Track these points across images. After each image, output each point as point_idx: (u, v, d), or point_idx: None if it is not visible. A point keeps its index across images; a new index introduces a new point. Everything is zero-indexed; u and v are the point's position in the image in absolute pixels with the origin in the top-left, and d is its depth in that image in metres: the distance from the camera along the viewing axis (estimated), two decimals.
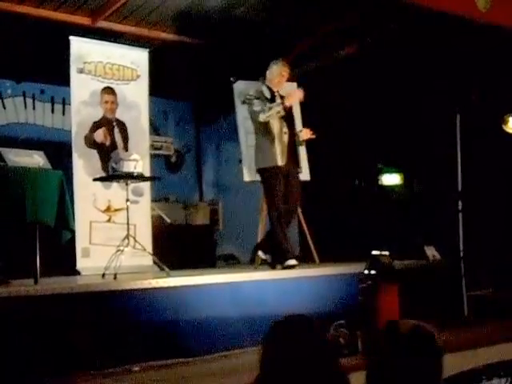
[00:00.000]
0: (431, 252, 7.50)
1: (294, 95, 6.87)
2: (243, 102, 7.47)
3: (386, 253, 5.75)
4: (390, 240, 6.87)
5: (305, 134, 7.05)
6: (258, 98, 6.73)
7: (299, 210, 7.76)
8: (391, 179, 8.48)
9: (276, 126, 6.76)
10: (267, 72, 6.90)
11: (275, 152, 6.70)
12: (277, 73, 6.88)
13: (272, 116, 6.67)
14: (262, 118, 6.69)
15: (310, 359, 1.95)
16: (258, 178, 7.57)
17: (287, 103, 6.73)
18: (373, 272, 5.53)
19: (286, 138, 6.78)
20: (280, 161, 6.70)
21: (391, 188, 8.45)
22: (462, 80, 7.29)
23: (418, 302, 6.15)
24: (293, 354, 1.95)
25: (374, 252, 5.72)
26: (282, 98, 6.89)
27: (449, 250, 7.45)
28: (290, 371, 1.92)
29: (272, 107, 6.68)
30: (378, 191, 8.43)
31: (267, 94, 6.84)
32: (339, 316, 5.50)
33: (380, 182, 8.52)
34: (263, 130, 6.78)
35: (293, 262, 6.58)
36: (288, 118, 6.89)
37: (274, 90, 6.89)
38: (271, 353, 2.01)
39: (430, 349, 2.15)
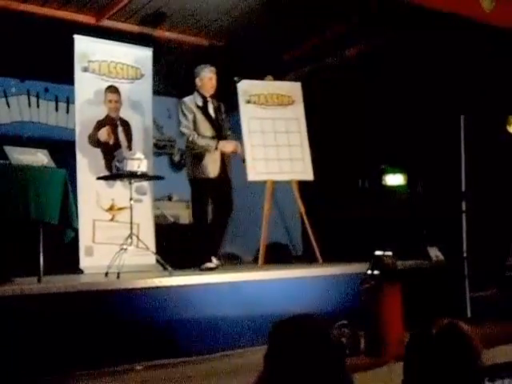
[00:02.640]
0: (434, 252, 7.49)
1: (230, 147, 6.89)
2: (247, 102, 7.57)
3: (389, 253, 5.75)
4: (393, 240, 6.85)
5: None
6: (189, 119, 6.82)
7: (302, 210, 7.77)
8: (395, 179, 8.46)
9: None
10: (196, 80, 6.93)
11: (207, 165, 6.76)
12: (206, 78, 6.92)
13: (198, 146, 6.77)
14: (187, 138, 6.79)
15: (315, 358, 1.94)
16: (261, 177, 7.60)
17: (220, 147, 6.79)
18: (376, 272, 5.53)
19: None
20: (212, 173, 6.77)
21: (395, 188, 8.44)
22: (466, 80, 7.28)
23: (420, 302, 6.15)
24: (298, 353, 1.95)
25: (377, 252, 5.72)
26: (214, 102, 6.98)
27: (452, 251, 7.44)
28: (294, 370, 1.92)
29: (205, 142, 6.76)
30: (382, 191, 8.42)
31: (199, 102, 6.88)
32: (342, 316, 5.49)
33: (384, 183, 8.50)
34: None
35: (211, 264, 6.61)
36: (218, 126, 6.96)
37: (206, 95, 6.93)
38: (276, 351, 2.00)
39: (463, 348, 2.10)
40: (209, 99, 6.95)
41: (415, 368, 2.15)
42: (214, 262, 6.65)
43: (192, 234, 7.13)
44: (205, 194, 6.82)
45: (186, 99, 6.91)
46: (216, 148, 6.76)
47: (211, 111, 6.94)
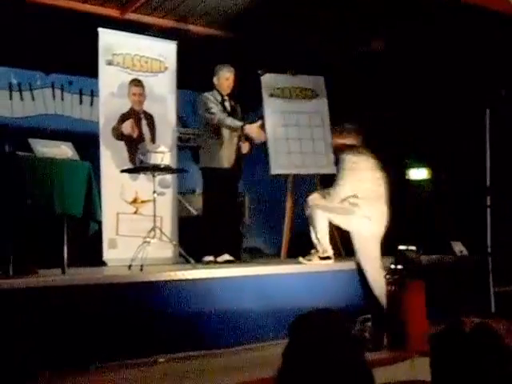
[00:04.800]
0: (458, 247, 7.45)
1: (257, 133, 6.93)
2: (271, 96, 7.60)
3: (413, 248, 5.73)
4: (416, 235, 6.82)
5: (244, 147, 7.06)
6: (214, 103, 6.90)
7: None
8: (419, 174, 8.42)
9: (227, 129, 6.90)
10: (214, 78, 7.03)
11: (223, 155, 6.85)
12: (223, 78, 7.01)
13: (225, 125, 6.82)
14: (217, 119, 6.81)
15: (335, 353, 1.93)
16: (284, 171, 7.59)
17: (248, 130, 6.82)
18: (399, 267, 5.51)
19: (235, 140, 6.94)
20: (227, 163, 6.86)
21: (419, 183, 8.39)
22: (492, 74, 7.21)
23: (444, 297, 6.12)
24: (317, 348, 1.94)
25: (401, 247, 5.69)
26: (230, 101, 7.07)
27: (476, 246, 7.39)
28: (314, 365, 1.91)
29: (232, 122, 6.82)
30: (406, 186, 8.37)
31: (218, 98, 6.99)
32: (365, 310, 5.48)
33: (407, 177, 8.46)
34: (213, 131, 6.88)
35: (210, 258, 6.65)
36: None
37: (224, 93, 7.03)
38: (295, 346, 2.00)
39: (498, 348, 2.08)
40: (226, 97, 7.06)
41: (445, 367, 2.12)
42: (225, 256, 6.69)
43: (199, 224, 7.18)
44: (217, 184, 6.86)
45: (207, 94, 7.00)
46: (242, 128, 6.80)
47: (228, 109, 7.04)
